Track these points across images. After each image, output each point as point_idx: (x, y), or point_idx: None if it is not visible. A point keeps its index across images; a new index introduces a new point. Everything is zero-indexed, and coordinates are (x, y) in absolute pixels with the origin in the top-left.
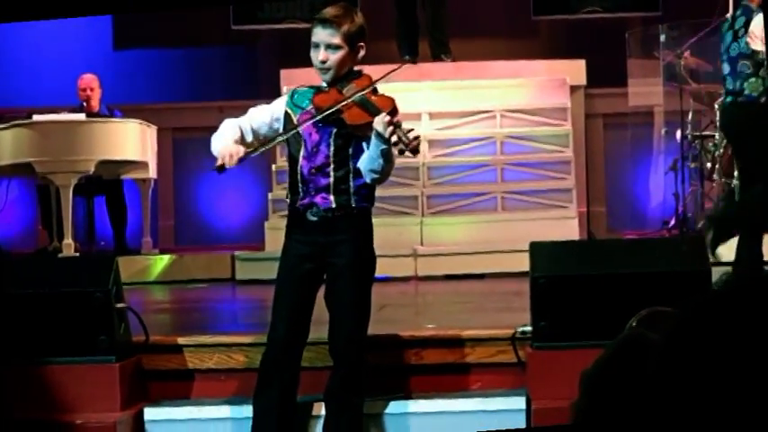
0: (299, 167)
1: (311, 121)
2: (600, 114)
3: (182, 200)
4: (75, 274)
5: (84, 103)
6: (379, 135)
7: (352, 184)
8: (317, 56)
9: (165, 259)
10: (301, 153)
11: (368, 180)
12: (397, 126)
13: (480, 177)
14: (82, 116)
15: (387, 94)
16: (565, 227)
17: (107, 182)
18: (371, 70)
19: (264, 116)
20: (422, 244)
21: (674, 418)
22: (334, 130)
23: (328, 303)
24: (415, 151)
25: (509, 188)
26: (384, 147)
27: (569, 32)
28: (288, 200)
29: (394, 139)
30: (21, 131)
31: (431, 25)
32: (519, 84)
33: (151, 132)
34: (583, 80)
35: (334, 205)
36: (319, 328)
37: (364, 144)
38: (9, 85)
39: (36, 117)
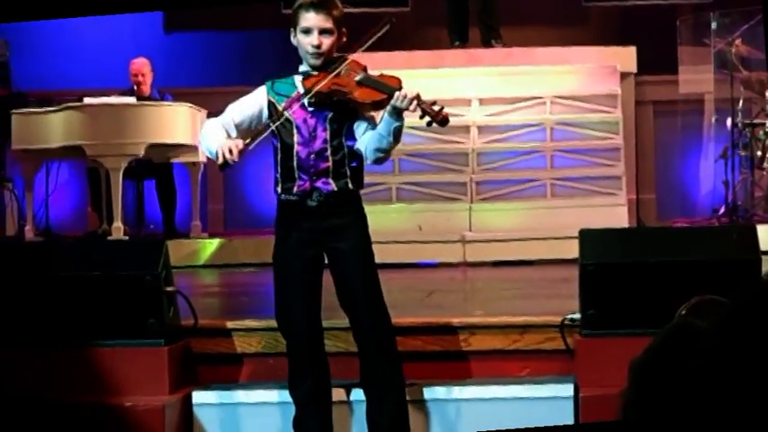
0: (294, 153)
1: (302, 102)
2: (650, 101)
3: (231, 184)
4: (126, 257)
5: (135, 87)
6: (395, 112)
7: (348, 166)
8: (311, 41)
9: (214, 243)
10: (296, 139)
11: (370, 160)
12: (420, 98)
13: (529, 164)
14: (132, 99)
15: (384, 73)
16: (614, 214)
17: (157, 165)
18: (420, 55)
19: (246, 110)
20: (470, 230)
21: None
22: (330, 114)
23: (340, 288)
24: (444, 122)
25: (558, 175)
26: (398, 124)
27: (620, 19)
28: (279, 188)
29: (419, 112)
30: (72, 114)
31: (482, 11)
32: (569, 70)
33: (201, 116)
34: (633, 67)
35: (335, 188)
36: (340, 313)
37: (357, 125)
38: (60, 67)
39: (87, 100)
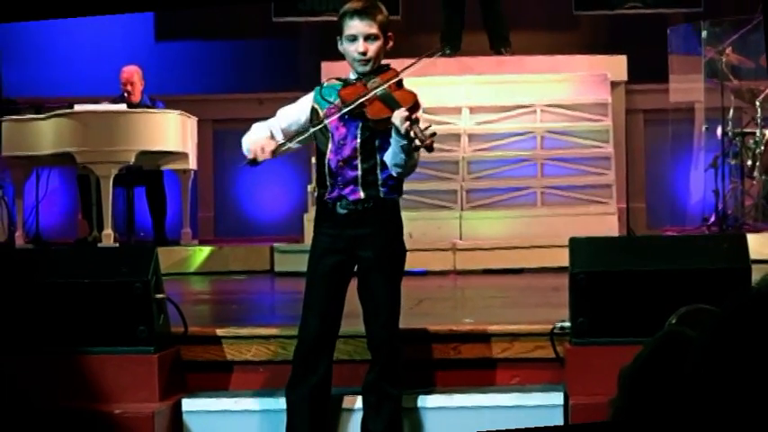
0: (326, 161)
1: (337, 115)
2: (640, 110)
3: (221, 191)
4: (115, 264)
5: (126, 94)
6: (398, 130)
7: (379, 175)
8: (357, 47)
9: (204, 250)
10: (329, 147)
11: (393, 173)
12: (414, 122)
13: (520, 172)
14: (123, 107)
15: (409, 89)
16: (604, 223)
17: (147, 172)
18: (409, 63)
19: (293, 114)
20: (461, 238)
21: (711, 416)
22: (361, 123)
23: (362, 296)
24: (429, 149)
25: (548, 183)
26: (403, 142)
27: (611, 28)
28: (316, 193)
29: (411, 135)
30: (62, 121)
31: (489, 20)
32: (560, 79)
33: (191, 123)
34: (624, 76)
35: (362, 196)
36: (356, 321)
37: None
38: (51, 74)
39: (77, 107)
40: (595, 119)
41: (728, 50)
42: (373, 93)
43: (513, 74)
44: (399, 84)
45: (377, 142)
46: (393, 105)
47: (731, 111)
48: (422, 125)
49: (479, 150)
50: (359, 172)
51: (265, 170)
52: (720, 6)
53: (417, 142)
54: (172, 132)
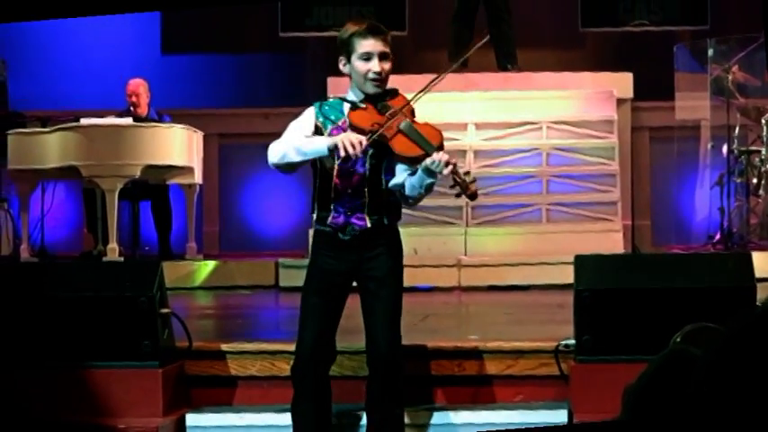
0: (332, 186)
1: (371, 138)
2: (646, 127)
3: (227, 206)
4: (120, 278)
5: (132, 108)
6: (429, 172)
7: (385, 202)
8: (372, 67)
9: (209, 265)
10: (335, 171)
11: (403, 202)
12: (455, 167)
13: (525, 189)
14: (129, 120)
15: (430, 123)
16: (609, 240)
17: (153, 186)
18: (417, 79)
19: (305, 129)
20: (466, 254)
21: None
22: (371, 151)
23: (365, 315)
24: (473, 197)
25: (554, 200)
26: (432, 181)
27: (617, 45)
28: (314, 216)
29: (451, 181)
30: (67, 135)
31: (497, 37)
32: (565, 96)
33: (197, 138)
34: (630, 93)
35: (369, 225)
36: (356, 336)
37: (398, 165)
38: (57, 88)
39: (83, 120)
40: (601, 136)
41: (735, 68)
42: (396, 125)
43: (519, 90)
44: (412, 112)
45: (384, 168)
46: (422, 144)
47: (737, 129)
48: (460, 169)
49: (485, 167)
50: (366, 199)
51: (270, 185)
52: (727, 24)
53: (458, 189)
54: (178, 147)
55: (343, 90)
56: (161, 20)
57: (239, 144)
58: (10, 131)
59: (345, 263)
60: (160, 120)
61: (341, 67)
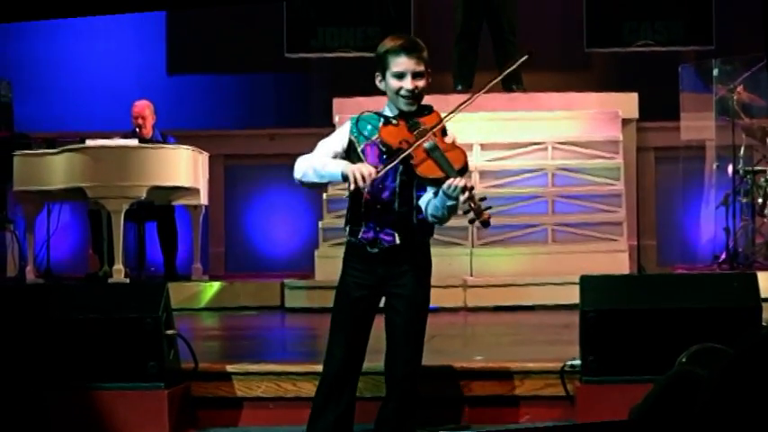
0: (362, 201)
1: (385, 170)
2: (651, 148)
3: (232, 227)
4: (126, 299)
5: (137, 129)
6: (446, 195)
7: (415, 219)
8: (405, 84)
9: (214, 286)
10: (366, 188)
11: (429, 220)
12: (471, 193)
13: (531, 209)
14: (134, 142)
15: (458, 145)
16: (615, 260)
17: (158, 207)
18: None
19: (334, 146)
20: (471, 275)
21: None
22: (401, 168)
23: (388, 331)
24: (486, 224)
25: (559, 220)
26: (452, 203)
27: (622, 65)
28: (347, 229)
29: (465, 207)
30: (73, 156)
31: (502, 57)
32: (571, 116)
33: (203, 159)
34: (635, 113)
35: (398, 242)
36: (368, 357)
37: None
38: (63, 109)
39: (89, 142)
40: (606, 156)
41: (740, 88)
42: (422, 145)
43: (525, 111)
44: (444, 131)
45: (414, 184)
46: (445, 167)
47: (742, 149)
48: (476, 195)
49: (490, 187)
50: (396, 216)
51: (276, 206)
52: (732, 44)
53: (472, 215)
54: (183, 168)
55: (348, 111)
56: (166, 41)
57: (245, 165)
58: (16, 152)
59: (373, 277)
60: (165, 141)
61: (377, 83)
